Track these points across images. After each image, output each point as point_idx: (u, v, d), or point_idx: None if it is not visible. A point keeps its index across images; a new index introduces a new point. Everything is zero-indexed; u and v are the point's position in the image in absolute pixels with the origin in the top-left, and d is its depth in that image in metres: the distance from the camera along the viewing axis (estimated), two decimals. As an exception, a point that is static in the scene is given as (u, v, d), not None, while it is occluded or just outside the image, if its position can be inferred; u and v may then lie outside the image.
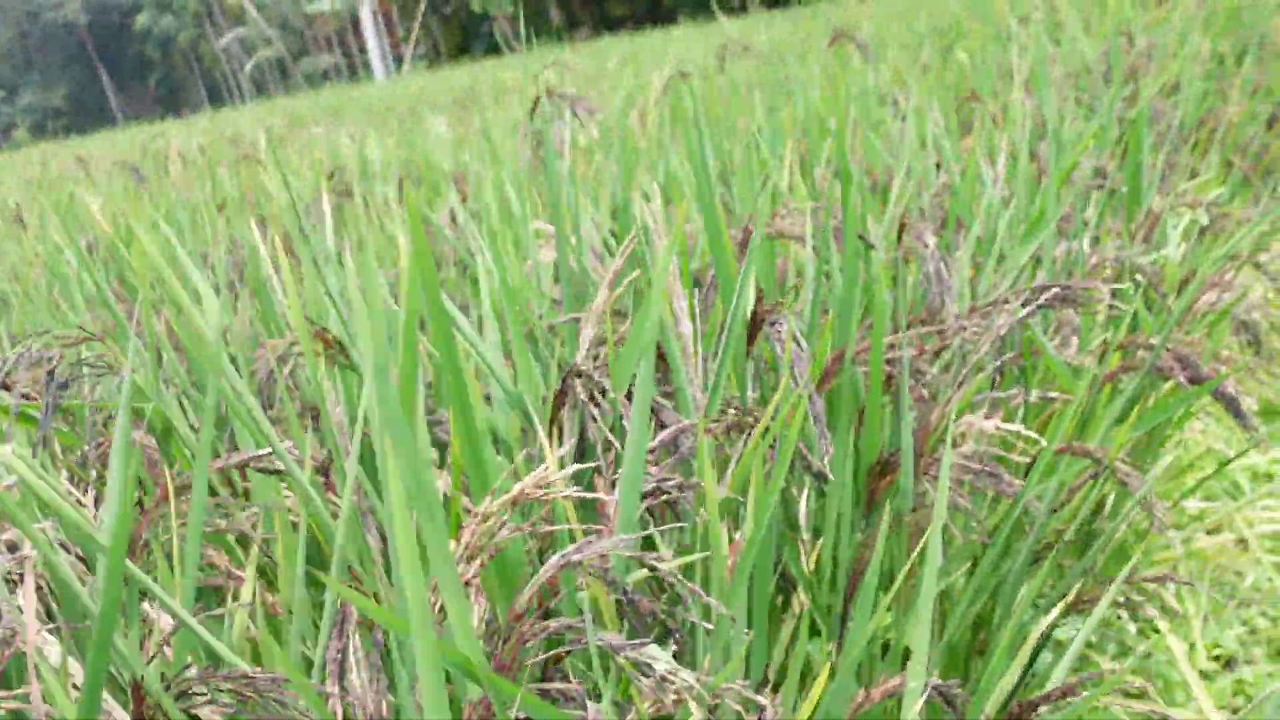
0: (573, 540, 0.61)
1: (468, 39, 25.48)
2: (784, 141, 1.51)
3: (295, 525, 0.66)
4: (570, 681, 0.51)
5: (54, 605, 0.59)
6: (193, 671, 0.47)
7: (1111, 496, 1.12)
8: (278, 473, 0.63)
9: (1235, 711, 1.15)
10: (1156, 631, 1.23)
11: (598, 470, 0.65)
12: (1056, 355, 0.93)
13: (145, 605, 0.60)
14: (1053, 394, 0.88)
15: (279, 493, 0.68)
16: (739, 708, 0.50)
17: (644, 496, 0.62)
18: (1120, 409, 0.91)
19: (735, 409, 0.71)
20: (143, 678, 0.48)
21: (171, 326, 0.97)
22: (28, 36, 44.23)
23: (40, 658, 0.49)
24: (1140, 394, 1.03)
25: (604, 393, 0.66)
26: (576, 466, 0.52)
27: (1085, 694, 0.65)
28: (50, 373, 0.63)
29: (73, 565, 0.62)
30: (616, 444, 0.66)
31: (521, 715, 0.47)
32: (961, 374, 0.76)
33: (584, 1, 23.07)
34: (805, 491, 0.79)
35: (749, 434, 0.68)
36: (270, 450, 0.61)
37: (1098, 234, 1.29)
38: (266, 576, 0.74)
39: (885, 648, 0.84)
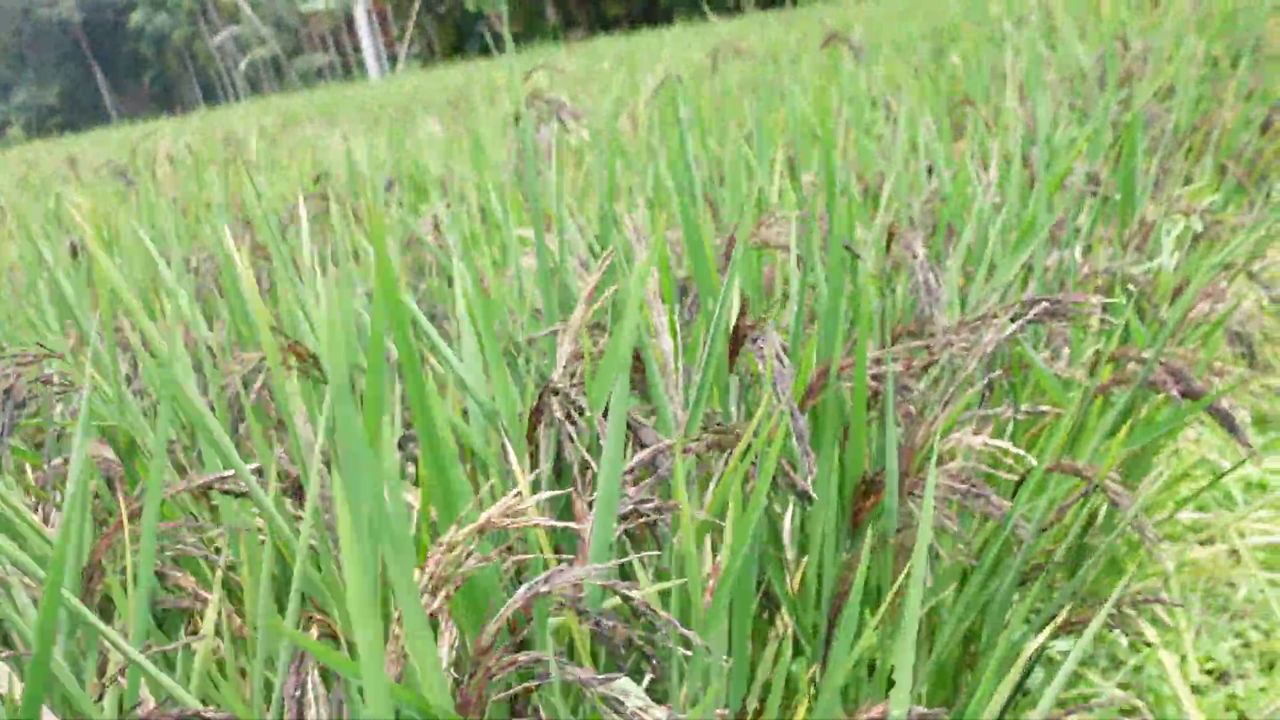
0: (546, 566, 0.59)
1: (462, 38, 25.48)
2: (774, 146, 1.49)
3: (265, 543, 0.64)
4: (541, 717, 0.49)
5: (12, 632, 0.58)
6: (141, 711, 0.45)
7: (1104, 509, 1.10)
8: (243, 495, 0.61)
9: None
10: (1149, 645, 1.22)
11: (576, 492, 0.64)
12: (1047, 369, 0.91)
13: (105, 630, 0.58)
14: (1043, 408, 0.87)
15: (248, 513, 0.66)
16: (715, 743, 0.49)
17: (621, 519, 0.60)
18: (1112, 423, 0.90)
19: (717, 426, 0.69)
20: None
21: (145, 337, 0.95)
22: (22, 34, 44.09)
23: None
24: (1132, 407, 1.01)
25: (581, 411, 0.64)
26: (549, 494, 0.51)
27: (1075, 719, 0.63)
28: (7, 391, 0.61)
29: (31, 590, 0.60)
30: (594, 464, 0.64)
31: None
32: (949, 391, 0.74)
33: (580, 1, 23.05)
34: (789, 510, 0.78)
35: (730, 453, 0.66)
36: (233, 472, 0.59)
37: (1090, 242, 1.28)
38: (235, 597, 0.72)
39: (871, 668, 0.82)
